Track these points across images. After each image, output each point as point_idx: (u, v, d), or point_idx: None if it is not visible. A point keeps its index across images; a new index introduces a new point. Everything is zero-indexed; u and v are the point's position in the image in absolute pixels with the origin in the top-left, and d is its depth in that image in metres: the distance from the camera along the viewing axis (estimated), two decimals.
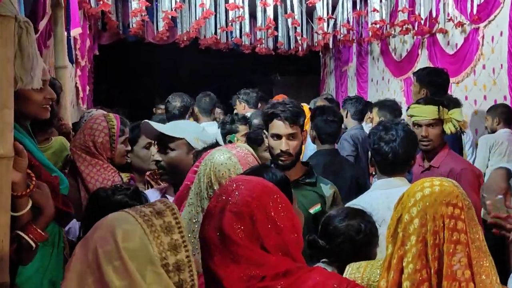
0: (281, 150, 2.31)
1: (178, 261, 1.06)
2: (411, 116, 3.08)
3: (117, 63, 9.09)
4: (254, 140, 3.00)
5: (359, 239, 1.75)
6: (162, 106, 5.45)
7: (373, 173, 3.46)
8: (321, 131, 3.14)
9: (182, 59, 9.16)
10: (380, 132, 2.25)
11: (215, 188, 1.67)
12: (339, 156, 3.21)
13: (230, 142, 3.30)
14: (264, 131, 2.42)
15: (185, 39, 6.56)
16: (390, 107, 4.22)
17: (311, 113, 3.33)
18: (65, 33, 3.54)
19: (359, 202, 2.13)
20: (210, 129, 3.52)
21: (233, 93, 6.92)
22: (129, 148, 2.55)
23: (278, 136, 2.32)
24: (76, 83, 5.47)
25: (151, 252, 1.05)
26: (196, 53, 7.67)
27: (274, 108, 2.34)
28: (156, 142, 2.58)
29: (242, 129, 3.41)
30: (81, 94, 5.71)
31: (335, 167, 3.00)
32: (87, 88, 6.27)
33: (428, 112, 2.84)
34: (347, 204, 2.17)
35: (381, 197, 2.17)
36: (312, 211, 2.32)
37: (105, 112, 3.06)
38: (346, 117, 4.20)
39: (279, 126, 2.32)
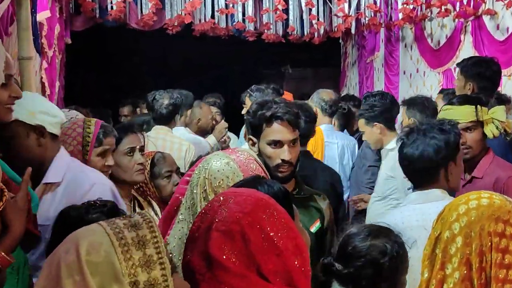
0: (282, 160, 2.33)
1: (151, 280, 1.10)
2: (444, 119, 3.10)
3: (93, 53, 9.17)
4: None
5: (384, 263, 1.75)
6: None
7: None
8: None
9: (172, 49, 9.24)
10: (409, 136, 2.30)
11: (210, 199, 1.69)
12: (311, 159, 3.31)
13: None
14: (250, 137, 2.41)
15: (175, 24, 6.62)
16: (421, 105, 4.21)
17: None
18: (31, 17, 3.59)
19: (386, 220, 2.15)
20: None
21: (234, 89, 7.00)
22: (110, 163, 2.56)
23: (279, 143, 2.33)
24: (41, 77, 5.52)
25: (117, 266, 1.08)
26: (189, 41, 7.73)
27: (271, 109, 2.35)
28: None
29: None
30: (47, 91, 5.75)
31: (306, 171, 3.06)
32: (57, 84, 6.33)
33: (463, 114, 2.88)
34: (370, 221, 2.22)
35: (414, 213, 2.20)
36: (313, 229, 2.35)
37: (80, 115, 3.10)
38: None
39: (280, 130, 2.33)
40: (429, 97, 4.61)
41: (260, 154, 2.36)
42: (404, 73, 7.72)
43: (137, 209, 2.77)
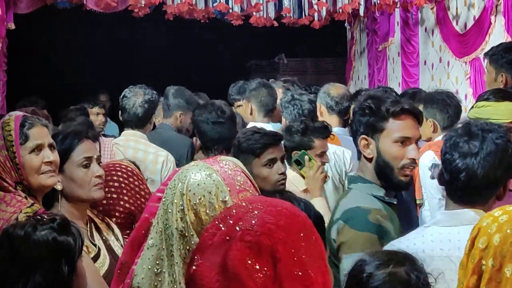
0: (411, 159, 2.49)
1: None
2: (477, 119, 3.15)
3: (41, 40, 9.20)
4: (249, 149, 3.23)
5: None
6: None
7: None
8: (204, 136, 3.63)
9: (139, 36, 9.28)
10: (458, 137, 2.24)
11: (188, 220, 1.70)
12: None
13: (299, 163, 3.58)
14: (364, 137, 2.56)
15: (143, 4, 6.68)
16: (441, 103, 4.26)
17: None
18: None
19: (401, 244, 2.18)
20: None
21: (217, 84, 7.07)
22: (51, 158, 2.58)
23: (407, 141, 2.49)
24: None
25: None
26: (160, 26, 7.80)
27: (396, 103, 2.50)
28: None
29: (319, 145, 3.64)
30: None
31: None
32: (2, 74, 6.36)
33: (504, 112, 2.98)
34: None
35: (441, 238, 2.19)
36: None
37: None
38: None
39: (410, 126, 2.49)
40: (451, 92, 4.66)
41: (378, 155, 2.52)
42: (425, 63, 7.79)
43: (95, 234, 2.77)
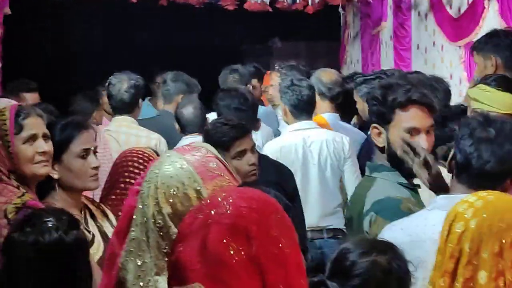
0: None
1: None
2: (474, 100, 3.15)
3: (38, 26, 9.13)
4: (217, 142, 3.18)
5: (386, 282, 1.83)
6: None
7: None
8: None
9: (133, 20, 9.22)
10: (475, 123, 2.24)
11: (165, 213, 1.74)
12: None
13: None
14: (376, 125, 2.57)
15: None
16: (429, 87, 4.22)
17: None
18: None
19: (403, 225, 2.23)
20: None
21: (210, 68, 7.04)
22: (45, 148, 2.61)
23: (415, 131, 2.50)
24: None
25: None
26: (155, 11, 7.75)
27: (404, 92, 2.49)
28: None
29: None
30: None
31: None
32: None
33: (503, 102, 2.97)
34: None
35: (440, 221, 2.14)
36: None
37: (13, 102, 3.13)
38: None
39: (417, 116, 2.49)
40: (439, 76, 4.66)
41: (389, 145, 2.54)
42: (418, 47, 7.79)
43: (89, 221, 2.81)
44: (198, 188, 1.74)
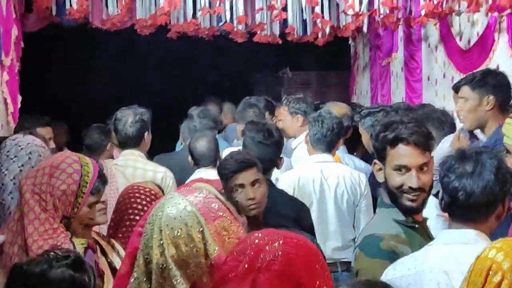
0: (409, 187, 2.53)
1: None
2: (505, 136, 3.14)
3: (48, 58, 9.21)
4: (219, 173, 3.30)
5: None
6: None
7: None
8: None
9: (144, 52, 9.27)
10: (453, 160, 2.32)
11: (167, 254, 1.77)
12: (272, 188, 3.54)
13: None
14: (376, 161, 2.64)
15: (148, 24, 6.70)
16: (436, 120, 4.31)
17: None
18: None
19: (410, 263, 2.24)
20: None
21: (220, 97, 7.05)
22: (100, 220, 2.73)
23: (405, 168, 2.53)
24: (2, 92, 5.53)
25: None
26: (165, 44, 7.79)
27: (395, 130, 2.55)
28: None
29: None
30: (11, 109, 5.77)
31: (267, 202, 3.32)
32: (19, 98, 6.34)
33: None
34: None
35: (444, 256, 2.23)
36: None
37: (38, 140, 3.14)
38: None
39: (406, 154, 2.54)
40: (444, 109, 4.69)
41: (386, 180, 2.59)
42: (429, 78, 7.79)
43: (100, 256, 2.80)
44: (202, 229, 1.76)
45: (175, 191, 1.99)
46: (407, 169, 2.54)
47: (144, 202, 3.01)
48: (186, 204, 1.82)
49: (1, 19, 5.26)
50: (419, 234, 2.63)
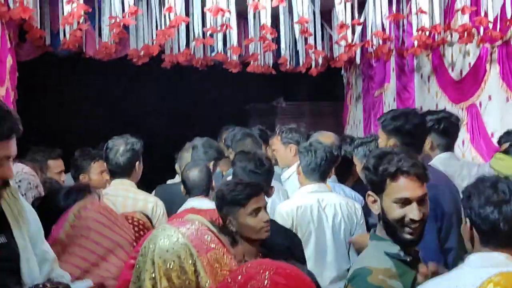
0: (411, 220, 2.53)
1: None
2: (495, 171, 3.19)
3: (42, 89, 9.20)
4: (234, 200, 3.30)
5: None
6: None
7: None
8: None
9: (137, 82, 9.29)
10: (486, 189, 2.31)
11: (160, 287, 1.74)
12: None
13: None
14: (371, 193, 2.64)
15: (142, 54, 6.72)
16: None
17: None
18: None
19: (441, 285, 2.26)
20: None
21: (213, 127, 7.03)
22: None
23: (406, 201, 2.54)
24: None
25: None
26: (158, 73, 7.81)
27: (395, 163, 2.55)
28: None
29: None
30: None
31: None
32: None
33: None
34: None
35: (474, 279, 2.20)
36: None
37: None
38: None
39: (408, 187, 2.54)
40: None
41: (383, 213, 2.59)
42: (421, 108, 7.79)
43: None
44: (194, 261, 1.75)
45: (166, 223, 1.98)
46: (409, 201, 2.55)
47: (132, 232, 3.00)
48: (178, 236, 1.82)
49: None
50: (412, 268, 2.62)
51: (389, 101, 8.57)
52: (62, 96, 9.52)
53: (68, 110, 9.44)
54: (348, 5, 5.90)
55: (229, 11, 5.35)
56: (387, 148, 2.90)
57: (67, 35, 6.02)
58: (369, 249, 2.69)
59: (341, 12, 5.80)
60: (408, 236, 2.57)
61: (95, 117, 9.29)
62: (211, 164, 5.03)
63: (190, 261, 1.75)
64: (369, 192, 2.65)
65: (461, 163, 4.29)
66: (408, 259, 2.61)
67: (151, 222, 3.20)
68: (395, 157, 2.59)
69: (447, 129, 4.17)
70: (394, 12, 6.64)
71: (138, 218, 3.11)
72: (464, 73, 6.80)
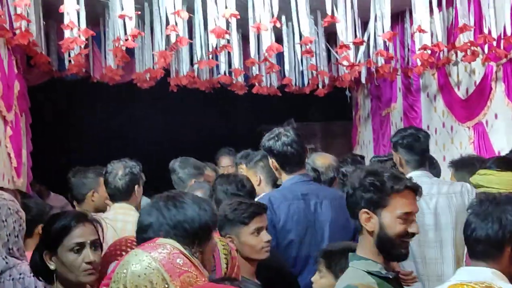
0: (411, 234, 2.61)
1: None
2: (478, 186, 3.19)
3: (53, 114, 9.26)
4: (238, 219, 3.33)
5: None
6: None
7: None
8: (219, 205, 3.61)
9: (143, 105, 9.31)
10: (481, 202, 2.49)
11: None
12: None
13: None
14: (366, 211, 2.62)
15: (147, 78, 6.74)
16: (471, 166, 4.38)
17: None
18: None
19: None
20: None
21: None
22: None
23: (409, 215, 2.59)
24: (6, 147, 5.54)
25: None
26: (165, 97, 7.82)
27: (400, 179, 2.61)
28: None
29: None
30: (14, 164, 5.76)
31: None
32: (23, 152, 6.33)
33: (506, 182, 3.11)
34: None
35: None
36: None
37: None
38: None
39: (411, 202, 2.62)
40: (479, 156, 4.74)
41: (381, 229, 2.60)
42: (428, 128, 7.77)
43: None
44: (167, 286, 1.73)
45: (138, 247, 1.96)
46: (410, 216, 2.60)
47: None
48: (150, 261, 1.81)
49: (3, 76, 5.30)
50: (393, 286, 2.63)
51: (396, 121, 8.54)
52: (70, 119, 9.57)
53: (76, 133, 9.48)
54: (350, 24, 5.88)
55: (229, 33, 5.34)
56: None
57: (72, 61, 6.05)
58: (349, 270, 2.68)
59: (342, 31, 5.78)
60: (403, 251, 2.62)
61: (102, 140, 9.31)
62: (192, 181, 5.03)
63: (163, 286, 1.74)
64: (365, 210, 2.62)
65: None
66: (390, 276, 2.62)
67: None
68: (388, 172, 2.64)
69: (412, 145, 4.20)
70: (398, 31, 6.63)
71: (132, 240, 3.11)
72: (470, 92, 6.78)
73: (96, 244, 2.85)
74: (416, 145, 4.21)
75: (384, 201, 2.59)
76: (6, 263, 2.77)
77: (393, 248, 2.60)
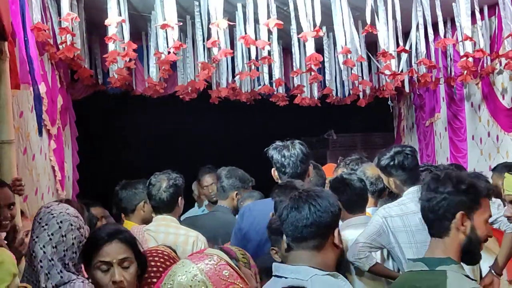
0: (489, 236, 2.63)
1: None
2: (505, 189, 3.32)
3: (98, 127, 9.36)
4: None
5: None
6: None
7: None
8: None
9: (186, 118, 9.37)
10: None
11: None
12: None
13: None
14: (464, 213, 2.59)
15: (189, 90, 6.78)
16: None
17: None
18: (9, 93, 3.72)
19: None
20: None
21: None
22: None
23: (489, 217, 2.63)
24: (50, 160, 5.62)
25: None
26: (207, 109, 7.86)
27: (487, 183, 2.76)
28: None
29: None
30: (59, 177, 5.84)
31: None
32: (65, 165, 6.43)
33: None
34: None
35: None
36: None
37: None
38: None
39: (490, 205, 2.65)
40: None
41: (472, 232, 2.59)
42: (473, 138, 7.68)
43: None
44: None
45: (186, 258, 1.94)
46: (489, 218, 2.65)
47: (158, 264, 3.01)
48: (196, 273, 1.80)
49: (47, 91, 5.39)
50: None
51: (440, 131, 8.45)
52: (114, 132, 9.66)
53: (121, 146, 9.57)
54: (392, 33, 5.82)
55: (269, 44, 5.32)
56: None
57: (115, 74, 6.11)
58: (451, 273, 2.55)
59: (384, 39, 5.72)
60: (480, 254, 2.65)
61: (146, 152, 9.39)
62: (234, 194, 5.07)
63: None
64: (462, 213, 2.59)
65: None
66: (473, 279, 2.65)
67: (175, 252, 3.18)
68: (472, 176, 2.69)
69: (403, 162, 4.11)
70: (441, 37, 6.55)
71: (161, 250, 3.12)
72: None
73: (127, 262, 2.82)
74: (408, 162, 4.11)
75: (476, 205, 2.61)
76: (61, 277, 2.77)
77: (478, 249, 2.62)
